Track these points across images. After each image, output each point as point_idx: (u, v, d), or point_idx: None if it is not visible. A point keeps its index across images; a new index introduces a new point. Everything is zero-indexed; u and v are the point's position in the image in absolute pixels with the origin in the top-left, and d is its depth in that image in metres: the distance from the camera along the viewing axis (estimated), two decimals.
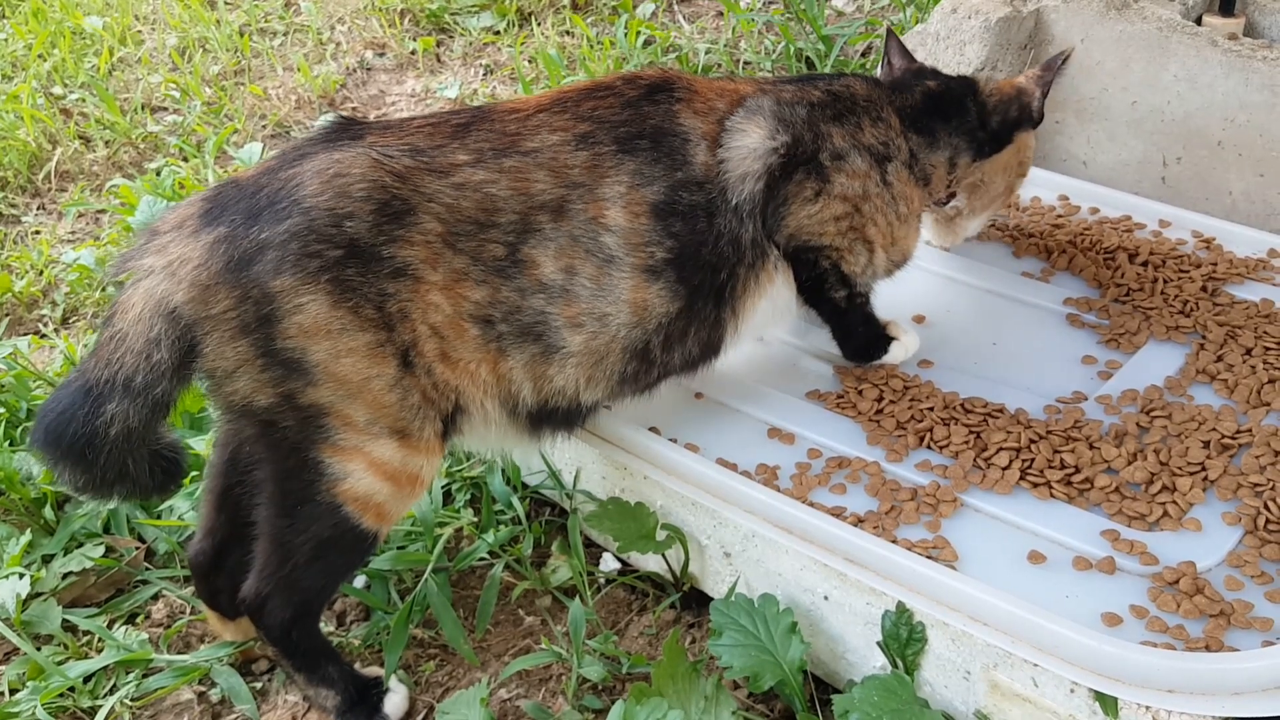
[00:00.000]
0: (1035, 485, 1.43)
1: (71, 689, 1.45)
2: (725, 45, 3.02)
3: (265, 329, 1.21)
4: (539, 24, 3.28)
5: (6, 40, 3.37)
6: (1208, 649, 1.21)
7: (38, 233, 2.57)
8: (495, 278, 1.31)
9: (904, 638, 1.27)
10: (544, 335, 1.35)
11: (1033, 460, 1.46)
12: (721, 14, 3.24)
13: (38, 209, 2.69)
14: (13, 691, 1.47)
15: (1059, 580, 1.31)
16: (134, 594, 1.62)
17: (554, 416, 1.41)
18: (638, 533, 1.46)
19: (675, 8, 3.33)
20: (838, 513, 1.40)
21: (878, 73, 1.81)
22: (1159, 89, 2.11)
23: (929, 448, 1.51)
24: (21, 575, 1.57)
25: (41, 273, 2.39)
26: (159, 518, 1.69)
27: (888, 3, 3.11)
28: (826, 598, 1.35)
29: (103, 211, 2.65)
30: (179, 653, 1.52)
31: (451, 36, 3.37)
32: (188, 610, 1.60)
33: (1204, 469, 1.43)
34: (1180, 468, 1.44)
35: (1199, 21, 2.34)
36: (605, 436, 1.54)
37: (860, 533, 1.34)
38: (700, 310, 1.44)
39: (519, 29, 3.32)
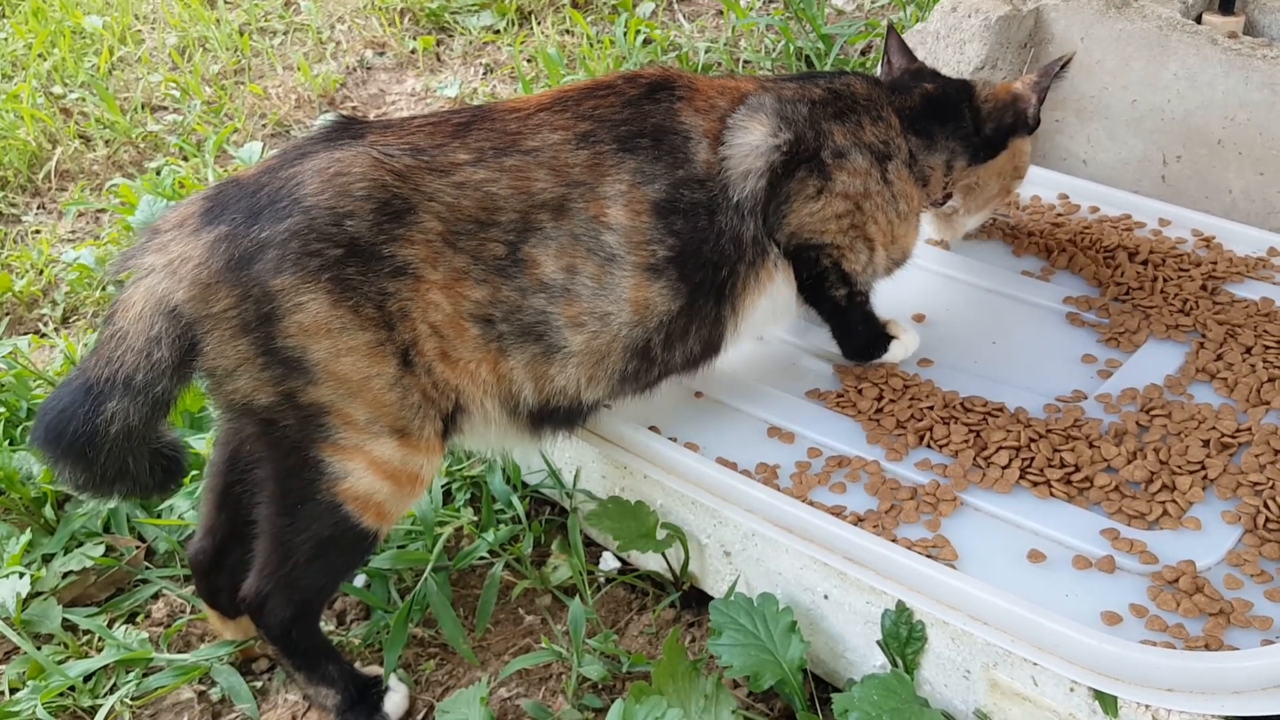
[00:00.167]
0: (1035, 484, 1.43)
1: (72, 688, 1.45)
2: (725, 44, 3.02)
3: (266, 328, 1.21)
4: (539, 23, 3.28)
5: (6, 40, 3.37)
6: (1207, 648, 1.21)
7: (38, 232, 2.57)
8: (496, 277, 1.31)
9: (904, 636, 1.27)
10: (545, 335, 1.34)
11: (1032, 459, 1.46)
12: (721, 13, 3.24)
13: (38, 208, 2.69)
14: (13, 690, 1.47)
15: (1059, 579, 1.31)
16: (134, 593, 1.62)
17: (555, 416, 1.41)
18: (638, 532, 1.46)
19: (675, 6, 3.33)
20: (837, 512, 1.40)
21: (878, 71, 1.81)
22: (1159, 87, 2.11)
23: (929, 446, 1.51)
24: (22, 574, 1.58)
25: (41, 272, 2.39)
26: (159, 517, 1.69)
27: (887, 1, 3.11)
28: (826, 597, 1.35)
29: (103, 211, 2.65)
30: (179, 652, 1.52)
31: (451, 35, 3.37)
32: (188, 609, 1.60)
33: (1204, 468, 1.43)
34: (1180, 466, 1.44)
35: (1199, 20, 2.34)
36: (605, 435, 1.54)
37: (860, 532, 1.34)
38: (701, 308, 1.44)
39: (519, 28, 3.32)
